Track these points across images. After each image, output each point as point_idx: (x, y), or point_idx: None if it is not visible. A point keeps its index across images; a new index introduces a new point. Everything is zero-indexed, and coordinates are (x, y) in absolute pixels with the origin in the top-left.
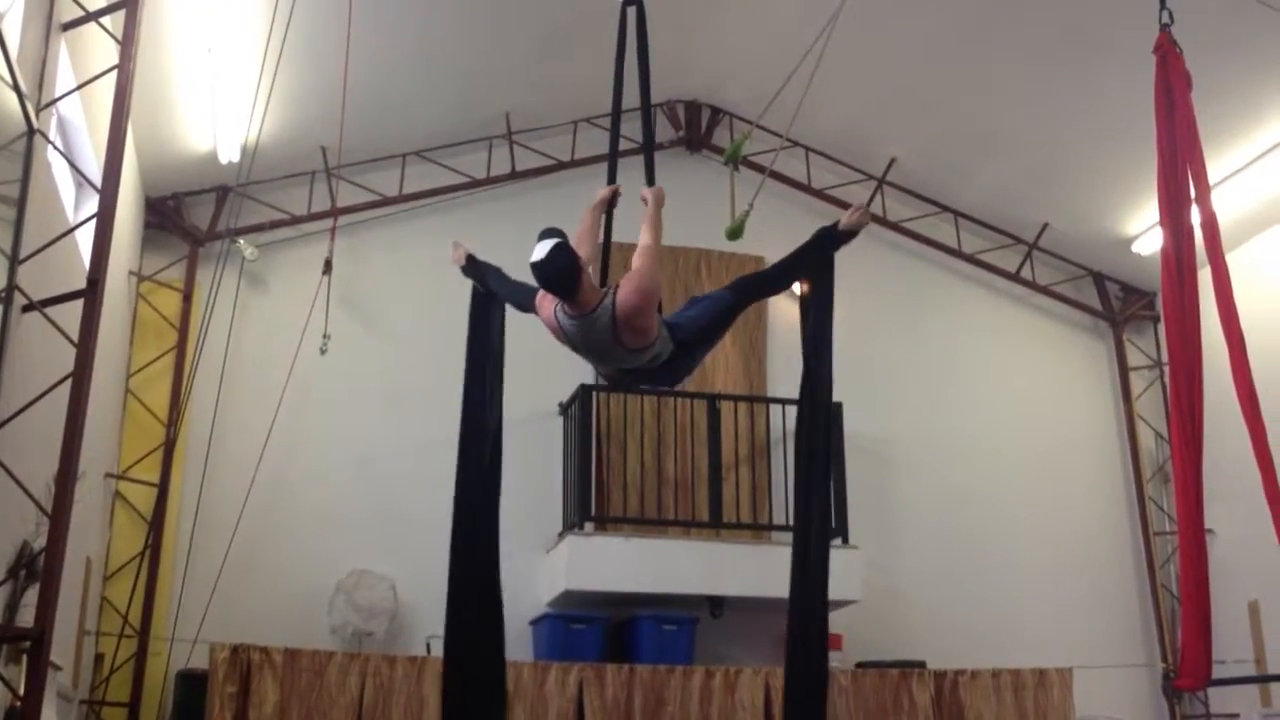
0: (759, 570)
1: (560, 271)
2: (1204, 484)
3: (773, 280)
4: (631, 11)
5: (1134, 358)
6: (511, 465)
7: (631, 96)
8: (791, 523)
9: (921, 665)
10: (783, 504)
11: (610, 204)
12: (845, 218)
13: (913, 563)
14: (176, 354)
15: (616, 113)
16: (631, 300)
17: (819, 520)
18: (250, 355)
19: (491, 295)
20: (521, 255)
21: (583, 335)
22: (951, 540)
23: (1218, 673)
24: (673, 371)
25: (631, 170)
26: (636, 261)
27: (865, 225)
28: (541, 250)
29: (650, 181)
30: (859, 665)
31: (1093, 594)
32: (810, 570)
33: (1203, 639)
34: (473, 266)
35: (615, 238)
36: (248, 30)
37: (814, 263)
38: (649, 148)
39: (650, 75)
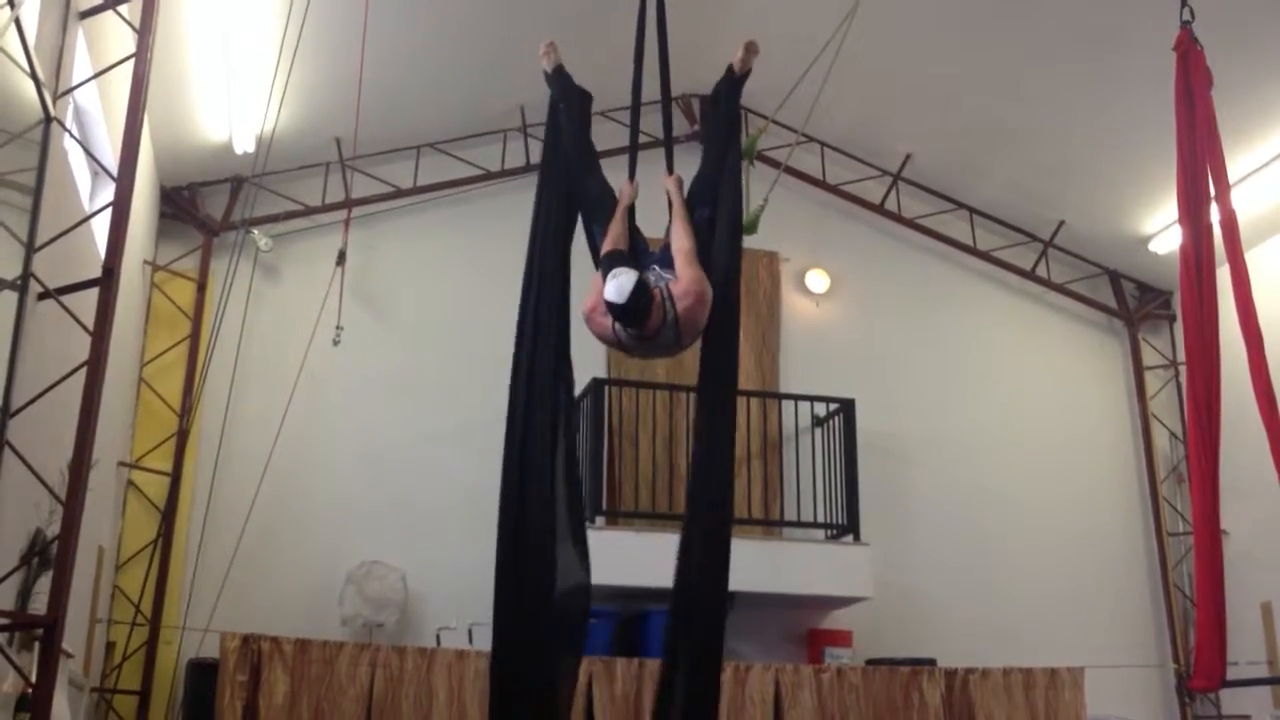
0: (770, 566)
1: (641, 309)
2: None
3: (705, 167)
4: (652, 1)
5: (1149, 357)
6: None
7: (647, 90)
8: (803, 518)
9: (932, 663)
10: (795, 500)
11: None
12: (738, 62)
13: (924, 560)
14: (190, 344)
15: (636, 105)
16: (696, 314)
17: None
18: (263, 346)
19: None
20: None
21: (645, 347)
22: (963, 538)
23: (1231, 674)
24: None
25: (644, 163)
26: (685, 269)
27: (756, 55)
28: (622, 291)
29: (670, 166)
30: (869, 662)
31: (1105, 594)
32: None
33: (1217, 640)
34: (559, 79)
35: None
36: (264, 21)
37: (724, 122)
38: (669, 139)
39: (670, 67)
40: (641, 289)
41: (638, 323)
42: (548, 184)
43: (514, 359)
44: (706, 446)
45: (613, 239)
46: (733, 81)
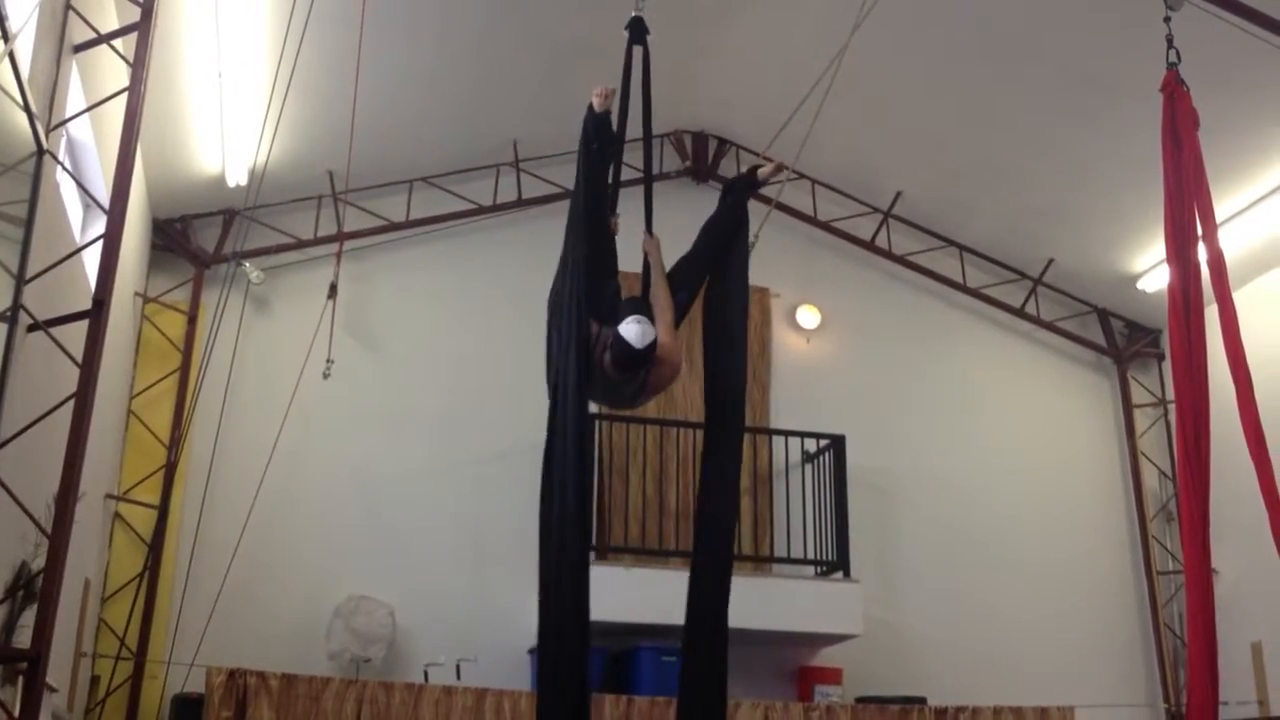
0: (760, 602)
1: (649, 360)
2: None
3: (699, 254)
4: (638, 51)
5: (1138, 395)
6: (512, 492)
7: (636, 128)
8: (793, 554)
9: (922, 701)
10: (784, 536)
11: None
12: (765, 170)
13: (914, 597)
14: (180, 376)
15: (619, 151)
16: (665, 380)
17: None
18: (253, 379)
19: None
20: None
21: (610, 392)
22: (953, 575)
23: (1222, 714)
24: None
25: (631, 200)
26: (666, 339)
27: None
28: (644, 338)
29: (649, 224)
30: (859, 700)
31: (1095, 632)
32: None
33: (1209, 680)
34: (605, 125)
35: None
36: (258, 55)
37: (731, 221)
38: (649, 190)
39: (651, 116)
40: (655, 342)
41: (636, 369)
42: (575, 225)
43: (551, 406)
44: (719, 488)
45: (628, 285)
46: (752, 184)
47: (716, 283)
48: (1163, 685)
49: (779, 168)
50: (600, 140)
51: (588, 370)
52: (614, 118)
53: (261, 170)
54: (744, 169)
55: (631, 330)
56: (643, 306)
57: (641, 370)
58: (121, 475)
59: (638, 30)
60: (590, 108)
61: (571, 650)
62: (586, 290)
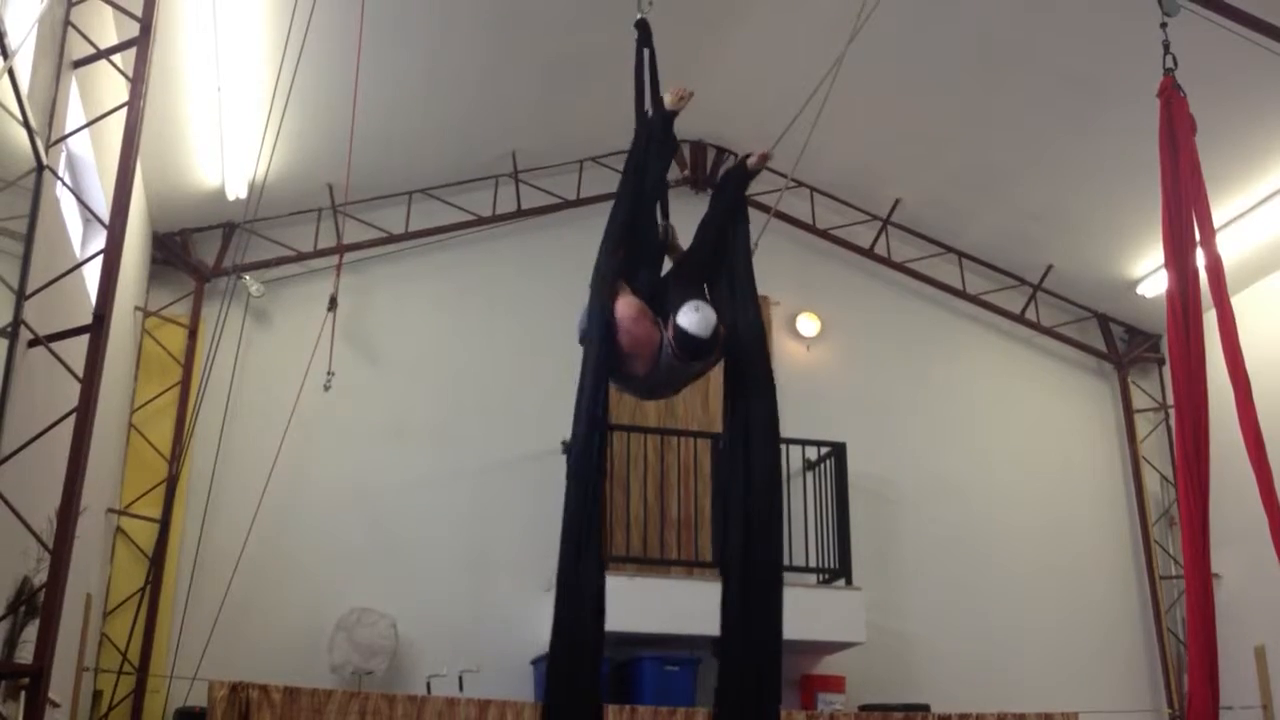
0: None
1: (715, 345)
2: (1210, 528)
3: (700, 244)
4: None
5: (1139, 400)
6: (513, 503)
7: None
8: (795, 563)
9: (926, 708)
10: (786, 544)
11: None
12: (753, 161)
13: (917, 605)
14: (180, 390)
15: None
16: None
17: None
18: (254, 391)
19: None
20: (527, 293)
21: (671, 372)
22: (956, 582)
23: (1224, 718)
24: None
25: None
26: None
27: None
28: (708, 324)
29: (665, 213)
30: (862, 708)
31: (1098, 637)
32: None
33: (1210, 684)
34: (669, 126)
35: None
36: (257, 69)
37: (729, 211)
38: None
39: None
40: (720, 328)
41: (705, 356)
42: (613, 232)
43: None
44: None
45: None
46: (743, 175)
47: (721, 255)
48: (1166, 690)
49: (765, 156)
50: (665, 138)
51: (612, 351)
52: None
53: (261, 183)
54: (730, 164)
55: (695, 320)
56: (705, 298)
57: (711, 355)
58: (123, 489)
59: (644, 34)
60: (660, 104)
61: (584, 660)
62: (613, 262)
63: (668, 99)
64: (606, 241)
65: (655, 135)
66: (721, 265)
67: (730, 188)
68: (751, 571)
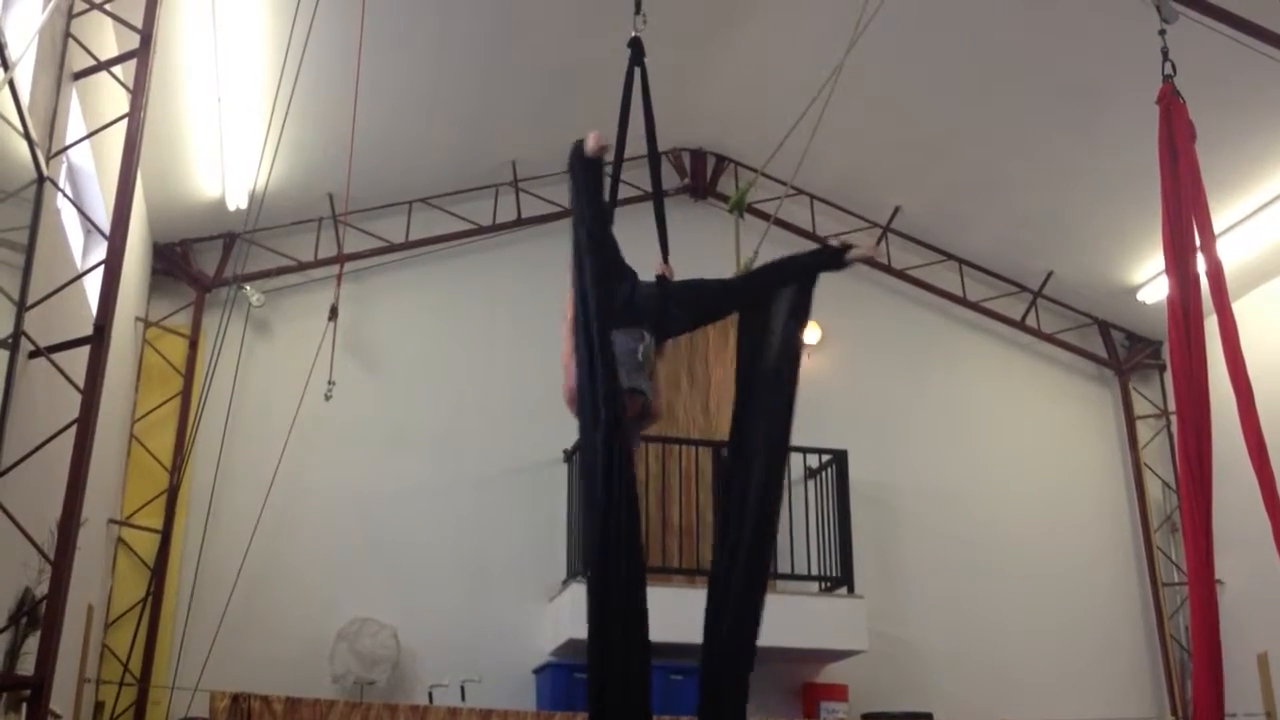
0: (766, 619)
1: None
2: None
3: (763, 278)
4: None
5: (1140, 406)
6: (515, 512)
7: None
8: (797, 571)
9: (929, 716)
10: (788, 552)
11: None
12: (857, 250)
13: (919, 612)
14: (181, 400)
15: (616, 174)
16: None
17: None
18: (255, 402)
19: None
20: (527, 301)
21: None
22: (958, 589)
23: None
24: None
25: (640, 215)
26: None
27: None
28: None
29: (664, 246)
30: (865, 716)
31: (1101, 644)
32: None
33: (1215, 691)
34: (594, 168)
35: None
36: (257, 79)
37: (802, 274)
38: (660, 208)
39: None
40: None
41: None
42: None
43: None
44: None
45: None
46: (835, 265)
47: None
48: (1169, 697)
49: (869, 256)
50: (586, 178)
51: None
52: (608, 155)
53: (261, 193)
54: (834, 241)
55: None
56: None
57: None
58: (124, 500)
59: (636, 52)
60: (579, 146)
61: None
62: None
63: (589, 143)
64: (579, 284)
65: (577, 174)
66: (758, 354)
67: (807, 276)
68: (735, 592)
